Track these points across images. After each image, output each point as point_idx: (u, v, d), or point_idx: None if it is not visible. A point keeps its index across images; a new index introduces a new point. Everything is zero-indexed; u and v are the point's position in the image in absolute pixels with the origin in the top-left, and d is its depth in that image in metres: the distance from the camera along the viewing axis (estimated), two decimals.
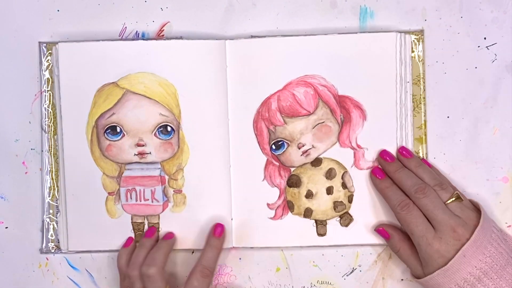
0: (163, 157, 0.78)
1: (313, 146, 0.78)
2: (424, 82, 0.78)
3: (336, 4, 0.79)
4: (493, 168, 0.79)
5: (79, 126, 0.78)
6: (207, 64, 0.77)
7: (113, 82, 0.78)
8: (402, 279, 0.80)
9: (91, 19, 0.80)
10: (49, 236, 0.80)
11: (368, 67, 0.77)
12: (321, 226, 0.79)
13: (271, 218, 0.79)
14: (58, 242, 0.80)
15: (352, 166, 0.78)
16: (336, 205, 0.78)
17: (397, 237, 0.76)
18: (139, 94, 0.78)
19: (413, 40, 0.78)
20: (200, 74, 0.77)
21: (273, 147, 0.78)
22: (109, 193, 0.79)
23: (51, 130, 0.80)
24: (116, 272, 0.79)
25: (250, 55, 0.77)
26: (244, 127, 0.78)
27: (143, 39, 0.79)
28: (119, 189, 0.79)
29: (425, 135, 0.79)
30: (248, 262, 0.80)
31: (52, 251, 0.81)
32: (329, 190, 0.78)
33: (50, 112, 0.80)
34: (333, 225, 0.79)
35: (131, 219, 0.79)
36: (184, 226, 0.79)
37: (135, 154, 0.78)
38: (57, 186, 0.80)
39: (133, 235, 0.79)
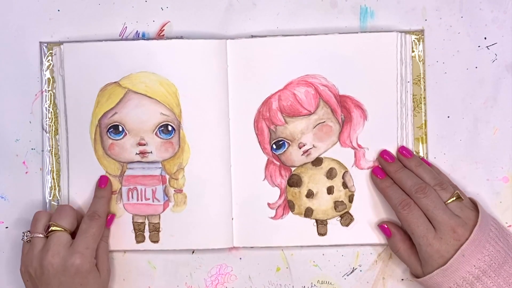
0: (164, 157, 0.78)
1: (313, 146, 0.78)
2: (424, 82, 0.78)
3: (336, 4, 0.79)
4: (493, 168, 0.79)
5: (83, 125, 0.78)
6: (207, 64, 0.77)
7: (115, 82, 0.78)
8: (402, 279, 0.80)
9: (91, 19, 0.80)
10: None
11: (368, 67, 0.77)
12: (321, 226, 0.79)
13: (271, 218, 0.79)
14: None
15: (352, 166, 0.78)
16: (337, 204, 0.78)
17: (398, 236, 0.76)
18: (141, 94, 0.78)
19: (414, 40, 0.78)
20: (201, 74, 0.77)
21: (274, 146, 0.78)
22: (111, 192, 0.79)
23: (52, 130, 0.80)
24: (116, 271, 0.79)
25: (251, 55, 0.78)
26: (245, 126, 0.78)
27: (144, 39, 0.79)
28: (121, 188, 0.79)
29: (426, 134, 0.79)
30: (249, 262, 0.80)
31: None
32: (330, 190, 0.78)
33: (51, 112, 0.80)
34: (334, 224, 0.79)
35: (132, 219, 0.79)
36: (185, 225, 0.79)
37: (136, 153, 0.78)
38: (58, 186, 0.80)
39: (133, 235, 0.79)
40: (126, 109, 0.78)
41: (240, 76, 0.78)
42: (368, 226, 0.78)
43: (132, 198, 0.79)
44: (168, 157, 0.78)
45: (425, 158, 0.78)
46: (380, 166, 0.77)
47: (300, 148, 0.78)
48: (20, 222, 0.80)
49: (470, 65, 0.79)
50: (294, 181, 0.79)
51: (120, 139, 0.78)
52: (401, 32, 0.77)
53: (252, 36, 0.79)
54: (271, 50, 0.78)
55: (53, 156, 0.80)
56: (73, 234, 0.75)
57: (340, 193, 0.78)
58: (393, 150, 0.77)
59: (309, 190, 0.78)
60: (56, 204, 0.80)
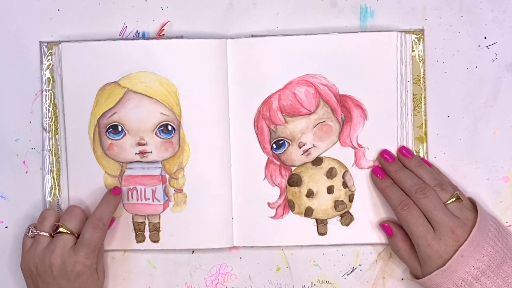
0: (164, 156, 0.78)
1: (314, 145, 0.78)
2: (424, 82, 0.78)
3: (337, 4, 0.79)
4: (494, 168, 0.79)
5: (81, 125, 0.78)
6: (207, 63, 0.77)
7: (114, 82, 0.78)
8: (402, 279, 0.80)
9: (91, 19, 0.80)
10: None
11: (368, 67, 0.77)
12: (321, 225, 0.79)
13: (271, 217, 0.79)
14: None
15: (352, 165, 0.78)
16: (337, 204, 0.78)
17: (399, 236, 0.76)
18: (140, 93, 0.78)
19: (414, 40, 0.78)
20: (201, 73, 0.77)
21: (274, 146, 0.78)
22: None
23: (52, 129, 0.80)
24: (116, 271, 0.79)
25: (251, 54, 0.78)
26: (245, 126, 0.78)
27: (144, 39, 0.79)
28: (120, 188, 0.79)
29: (426, 134, 0.79)
30: (249, 261, 0.80)
31: None
32: (330, 189, 0.78)
33: (51, 112, 0.80)
34: (334, 224, 0.79)
35: (132, 219, 0.79)
36: (185, 225, 0.79)
37: (136, 153, 0.78)
38: (58, 185, 0.80)
39: (133, 235, 0.79)
40: (125, 109, 0.78)
41: (240, 75, 0.78)
42: (368, 225, 0.78)
43: (132, 198, 0.79)
44: (168, 156, 0.78)
45: (425, 158, 0.78)
46: (380, 165, 0.77)
47: (300, 148, 0.78)
48: (20, 221, 0.80)
49: (470, 65, 0.79)
50: (294, 181, 0.79)
51: (120, 139, 0.78)
52: (401, 31, 0.77)
53: (252, 36, 0.79)
54: (271, 50, 0.78)
55: (53, 155, 0.80)
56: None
57: (340, 193, 0.78)
58: (393, 150, 0.77)
59: (309, 189, 0.78)
60: (56, 203, 0.80)
